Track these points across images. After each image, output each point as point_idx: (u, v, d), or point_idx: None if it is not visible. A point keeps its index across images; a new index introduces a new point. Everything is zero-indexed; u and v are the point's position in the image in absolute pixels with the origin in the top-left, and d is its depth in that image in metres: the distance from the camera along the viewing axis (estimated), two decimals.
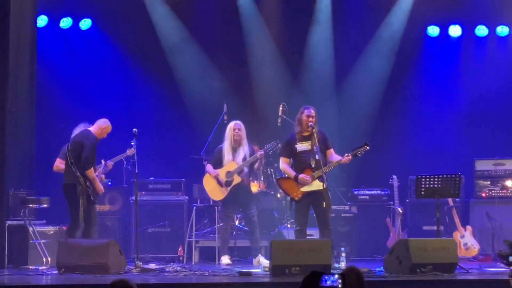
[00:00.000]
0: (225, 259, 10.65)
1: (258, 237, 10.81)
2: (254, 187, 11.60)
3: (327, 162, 9.80)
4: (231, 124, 10.84)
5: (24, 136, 11.32)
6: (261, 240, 10.97)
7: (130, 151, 10.30)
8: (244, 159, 10.73)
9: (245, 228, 11.58)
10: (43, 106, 12.26)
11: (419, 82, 13.34)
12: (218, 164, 10.81)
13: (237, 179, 10.69)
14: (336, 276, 4.51)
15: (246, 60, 13.13)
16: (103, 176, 10.28)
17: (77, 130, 10.07)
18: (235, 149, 10.77)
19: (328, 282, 4.49)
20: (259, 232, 10.85)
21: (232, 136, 10.73)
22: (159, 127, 12.95)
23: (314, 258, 8.79)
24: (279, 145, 10.54)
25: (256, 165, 10.80)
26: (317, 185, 9.65)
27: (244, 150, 10.74)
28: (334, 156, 9.85)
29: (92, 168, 9.85)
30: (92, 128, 10.05)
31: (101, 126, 10.07)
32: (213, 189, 10.81)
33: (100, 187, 9.98)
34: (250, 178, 11.35)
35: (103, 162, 10.54)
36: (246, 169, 10.76)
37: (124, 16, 12.90)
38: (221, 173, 10.76)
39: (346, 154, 9.72)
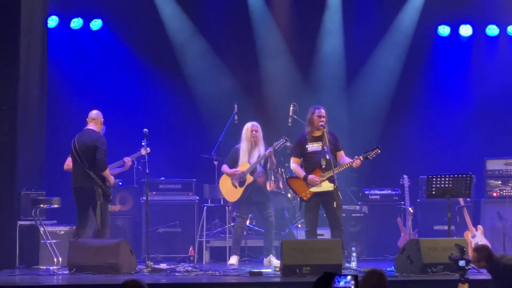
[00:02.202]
0: (233, 259, 10.61)
1: (273, 237, 10.76)
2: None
3: (337, 164, 9.78)
4: (248, 125, 10.74)
5: (35, 136, 11.33)
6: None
7: (144, 151, 10.26)
8: None
9: (256, 228, 11.57)
10: (54, 107, 12.25)
11: (430, 82, 13.31)
12: (233, 164, 10.75)
13: (249, 179, 10.63)
14: (349, 277, 4.49)
15: (257, 59, 13.13)
16: None
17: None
18: (251, 150, 10.73)
19: (341, 283, 4.47)
20: (274, 232, 10.84)
21: (250, 137, 10.66)
22: (170, 127, 12.95)
23: (325, 258, 8.78)
24: (288, 141, 10.51)
25: (268, 165, 10.76)
26: (326, 186, 9.64)
27: (260, 151, 10.64)
28: (344, 158, 9.84)
29: (107, 168, 9.88)
30: (95, 127, 9.98)
31: (98, 121, 10.02)
32: (228, 191, 10.76)
33: (112, 180, 10.01)
34: (273, 179, 11.35)
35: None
36: (261, 169, 10.68)
37: (134, 16, 12.90)
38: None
39: (356, 157, 9.69)
